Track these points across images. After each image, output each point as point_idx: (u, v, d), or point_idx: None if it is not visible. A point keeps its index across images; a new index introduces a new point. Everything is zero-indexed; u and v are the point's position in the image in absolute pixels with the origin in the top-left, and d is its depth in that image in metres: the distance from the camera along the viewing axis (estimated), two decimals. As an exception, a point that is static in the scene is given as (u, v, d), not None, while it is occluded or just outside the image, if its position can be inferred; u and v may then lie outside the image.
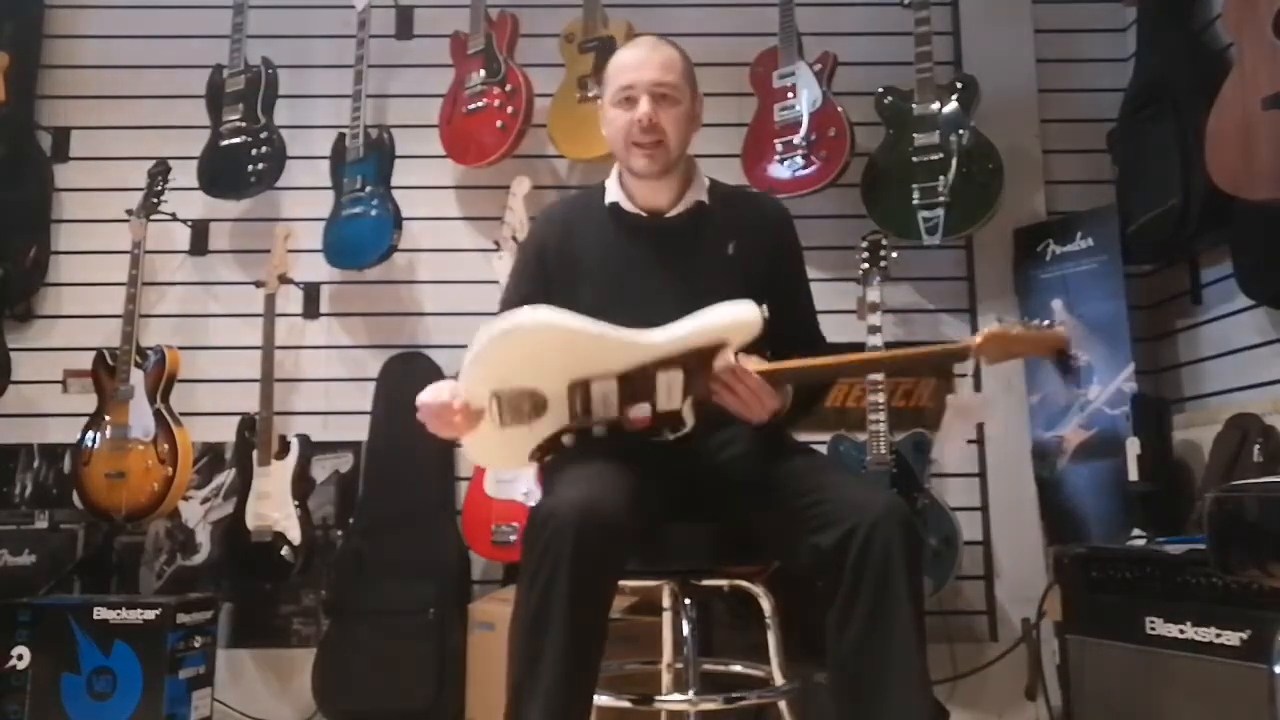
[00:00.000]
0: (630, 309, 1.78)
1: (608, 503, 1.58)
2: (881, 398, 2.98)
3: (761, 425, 1.81)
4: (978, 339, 1.71)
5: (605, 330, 1.72)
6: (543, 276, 1.96)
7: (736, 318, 1.71)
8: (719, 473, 1.83)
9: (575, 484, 1.65)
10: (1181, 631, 1.97)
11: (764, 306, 1.73)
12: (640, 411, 1.73)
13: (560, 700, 1.54)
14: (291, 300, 3.38)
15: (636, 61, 1.90)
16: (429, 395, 1.80)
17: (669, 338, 1.72)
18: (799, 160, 3.12)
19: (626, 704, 1.83)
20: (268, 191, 3.36)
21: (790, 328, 1.90)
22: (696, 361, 1.71)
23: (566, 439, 1.77)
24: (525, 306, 1.80)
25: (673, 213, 1.94)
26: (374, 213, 3.22)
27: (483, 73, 3.25)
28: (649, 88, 1.87)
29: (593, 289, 1.90)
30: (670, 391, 1.72)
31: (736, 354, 1.70)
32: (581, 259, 1.94)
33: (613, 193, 1.98)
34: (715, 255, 1.90)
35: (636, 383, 1.73)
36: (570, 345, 1.74)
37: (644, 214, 1.95)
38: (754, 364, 1.72)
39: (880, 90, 3.18)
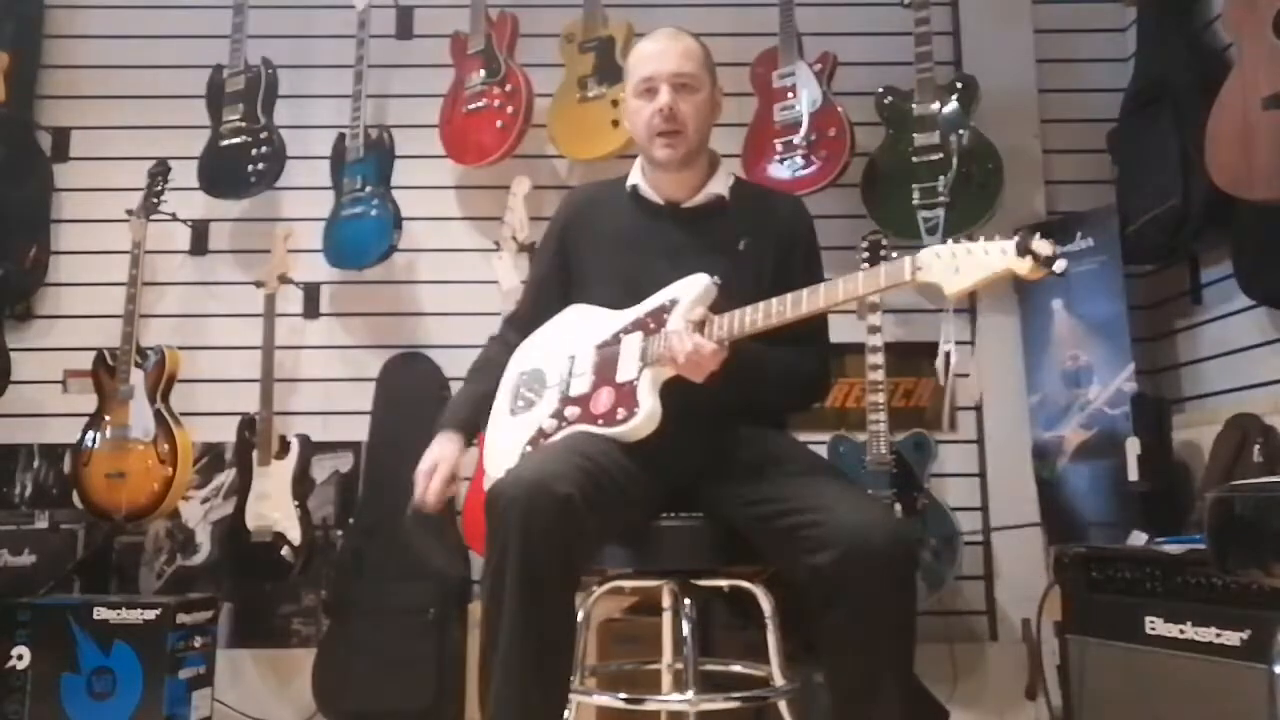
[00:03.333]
0: (635, 291, 1.88)
1: (560, 479, 1.60)
2: (881, 398, 2.98)
3: (759, 422, 1.86)
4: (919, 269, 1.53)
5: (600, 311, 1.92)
6: (561, 253, 2.05)
7: (685, 281, 1.81)
8: (717, 473, 1.82)
9: (532, 462, 1.70)
10: (1181, 631, 1.97)
11: (715, 277, 1.79)
12: (600, 401, 1.79)
13: (522, 679, 1.57)
14: (291, 300, 3.38)
15: (657, 52, 1.95)
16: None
17: (637, 307, 1.85)
18: (799, 160, 3.12)
19: (626, 704, 1.83)
20: (268, 191, 3.36)
21: (795, 326, 1.84)
22: (654, 324, 1.80)
23: (548, 425, 1.84)
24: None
25: (689, 203, 1.98)
26: (374, 213, 3.22)
27: (483, 73, 3.25)
28: (669, 78, 1.91)
29: (603, 267, 1.98)
30: (629, 359, 1.80)
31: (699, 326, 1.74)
32: (596, 237, 2.00)
33: (635, 177, 2.03)
34: (726, 249, 1.92)
35: (606, 349, 1.85)
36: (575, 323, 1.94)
37: (661, 201, 1.99)
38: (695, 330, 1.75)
39: (880, 90, 3.18)
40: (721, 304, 1.78)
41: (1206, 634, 1.91)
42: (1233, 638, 1.87)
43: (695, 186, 1.98)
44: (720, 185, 1.99)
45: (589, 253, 2.01)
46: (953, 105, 3.06)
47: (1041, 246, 1.43)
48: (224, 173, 3.33)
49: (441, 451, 1.93)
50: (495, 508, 1.62)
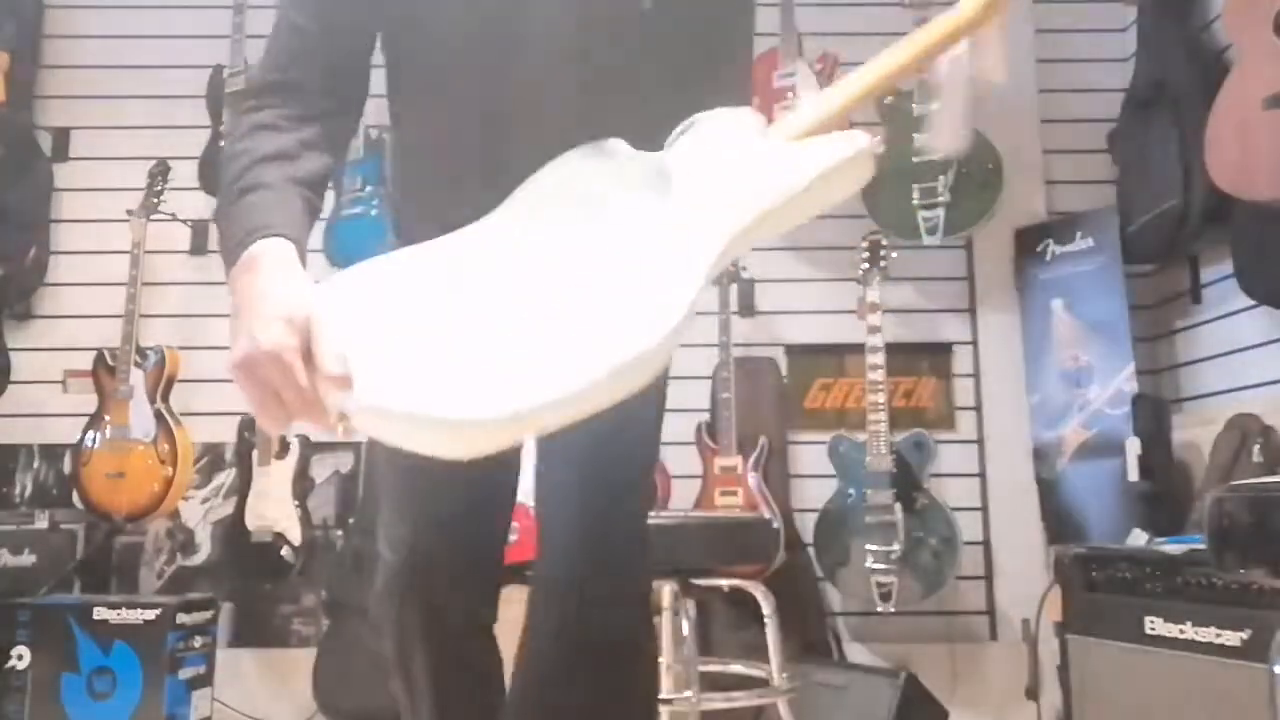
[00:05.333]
0: (511, 97, 1.25)
1: (451, 586, 1.35)
2: (881, 398, 2.98)
3: None
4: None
5: None
6: None
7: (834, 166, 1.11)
8: None
9: (399, 573, 1.37)
10: (1181, 631, 1.97)
11: (877, 138, 1.13)
12: None
13: None
14: (291, 300, 3.38)
15: None
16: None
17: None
18: (799, 160, 3.12)
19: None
20: (268, 192, 3.36)
21: None
22: None
23: None
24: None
25: None
26: (374, 213, 3.23)
27: (483, 73, 3.25)
28: None
29: (444, 65, 1.28)
30: None
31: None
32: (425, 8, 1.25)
33: None
34: (627, 16, 1.24)
35: None
36: None
37: None
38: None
39: (880, 90, 3.17)
40: (620, 99, 1.22)
41: (1206, 634, 1.91)
42: (1233, 638, 1.87)
43: None
44: None
45: (418, 36, 1.27)
46: (953, 105, 3.06)
47: None
48: (224, 173, 3.33)
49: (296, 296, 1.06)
50: (388, 613, 1.37)
